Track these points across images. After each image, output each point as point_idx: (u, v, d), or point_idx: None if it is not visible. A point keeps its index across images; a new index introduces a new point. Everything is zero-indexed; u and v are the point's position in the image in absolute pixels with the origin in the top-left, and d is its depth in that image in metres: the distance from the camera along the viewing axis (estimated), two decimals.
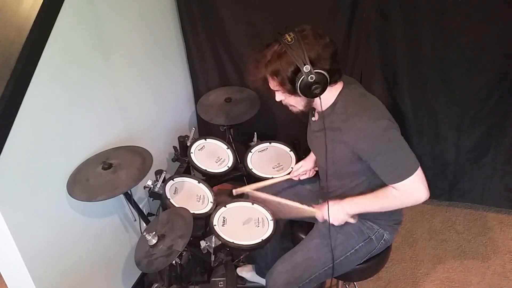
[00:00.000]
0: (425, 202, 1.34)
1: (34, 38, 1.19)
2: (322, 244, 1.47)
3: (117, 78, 1.77)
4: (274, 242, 1.70)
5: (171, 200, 1.73)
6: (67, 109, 1.49)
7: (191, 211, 1.56)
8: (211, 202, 1.76)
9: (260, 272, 1.93)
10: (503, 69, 1.93)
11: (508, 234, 2.26)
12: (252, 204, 1.67)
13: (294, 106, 1.39)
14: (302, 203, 1.53)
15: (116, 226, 1.87)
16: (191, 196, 1.79)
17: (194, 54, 2.36)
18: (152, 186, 1.73)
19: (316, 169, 1.70)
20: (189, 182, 1.85)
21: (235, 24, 2.18)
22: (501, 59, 1.90)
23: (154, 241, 1.43)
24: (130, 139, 1.85)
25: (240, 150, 2.10)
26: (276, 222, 1.59)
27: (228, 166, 1.95)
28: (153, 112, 2.12)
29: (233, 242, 1.52)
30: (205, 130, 2.54)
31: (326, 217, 1.44)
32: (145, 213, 1.90)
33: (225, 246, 1.60)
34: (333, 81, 1.29)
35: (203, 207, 1.73)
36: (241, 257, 1.91)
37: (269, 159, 1.97)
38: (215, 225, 1.58)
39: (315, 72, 1.21)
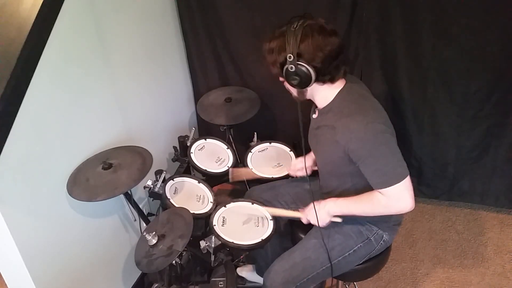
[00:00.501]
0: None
1: (34, 38, 1.19)
2: (320, 244, 1.47)
3: (117, 78, 1.77)
4: (274, 242, 1.70)
5: (171, 200, 1.73)
6: (67, 109, 1.49)
7: (191, 211, 1.56)
8: (211, 202, 1.76)
9: (260, 272, 1.93)
10: (503, 69, 1.93)
11: (508, 234, 2.26)
12: (252, 204, 1.67)
13: (290, 91, 1.40)
14: (296, 207, 1.55)
15: (116, 226, 1.87)
16: (191, 196, 1.79)
17: (194, 54, 2.36)
18: (152, 186, 1.73)
19: (315, 168, 1.70)
20: (189, 182, 1.85)
21: (235, 24, 2.19)
22: (501, 59, 1.90)
23: (154, 241, 1.43)
24: (130, 139, 1.85)
25: (240, 150, 2.10)
26: (276, 222, 1.59)
27: (228, 166, 1.95)
28: (153, 112, 2.12)
29: (233, 242, 1.52)
30: (205, 130, 2.54)
31: (309, 219, 1.45)
32: (145, 213, 1.91)
33: (225, 246, 1.60)
34: (321, 81, 1.29)
35: (203, 207, 1.73)
36: (241, 257, 1.92)
37: (269, 159, 1.97)
38: (215, 225, 1.58)
39: (298, 64, 1.23)
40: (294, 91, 1.37)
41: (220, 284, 1.81)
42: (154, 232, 1.44)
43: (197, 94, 2.47)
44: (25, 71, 1.21)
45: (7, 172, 1.26)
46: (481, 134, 2.14)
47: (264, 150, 2.03)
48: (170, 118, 2.30)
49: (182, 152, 2.11)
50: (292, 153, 1.97)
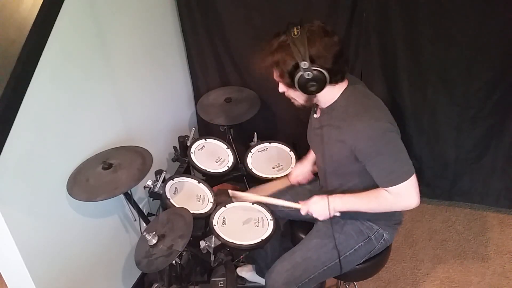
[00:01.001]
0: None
1: (34, 38, 1.19)
2: (322, 244, 1.47)
3: (117, 78, 1.77)
4: (274, 242, 1.70)
5: (171, 200, 1.73)
6: (67, 109, 1.49)
7: (191, 211, 1.56)
8: (211, 202, 1.76)
9: (260, 272, 1.93)
10: (503, 69, 1.93)
11: (508, 234, 2.26)
12: (252, 204, 1.67)
13: (295, 99, 1.38)
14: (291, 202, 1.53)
15: (116, 226, 1.87)
16: (191, 196, 1.79)
17: (194, 54, 2.36)
18: (152, 186, 1.73)
19: (315, 171, 1.70)
20: (189, 182, 1.85)
21: (235, 24, 2.19)
22: (501, 59, 1.90)
23: (154, 241, 1.43)
24: (130, 139, 1.85)
25: (240, 150, 2.10)
26: (276, 222, 1.59)
27: (228, 166, 1.95)
28: (153, 112, 2.12)
29: (233, 242, 1.52)
30: (205, 130, 2.54)
31: (310, 211, 1.43)
32: (145, 213, 1.90)
33: (225, 246, 1.60)
34: (334, 81, 1.28)
35: (203, 207, 1.73)
36: (241, 257, 1.92)
37: (269, 159, 1.97)
38: (215, 225, 1.58)
39: (313, 69, 1.21)
40: (301, 99, 1.35)
41: (220, 284, 1.81)
42: (154, 232, 1.44)
43: (197, 94, 2.47)
44: (25, 71, 1.21)
45: (7, 172, 1.26)
46: (481, 134, 2.14)
47: (264, 150, 2.03)
48: (170, 118, 2.30)
49: (182, 152, 2.11)
50: (292, 153, 1.97)
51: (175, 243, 1.41)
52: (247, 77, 2.34)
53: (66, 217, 1.55)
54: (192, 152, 1.99)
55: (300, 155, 1.88)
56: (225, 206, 1.67)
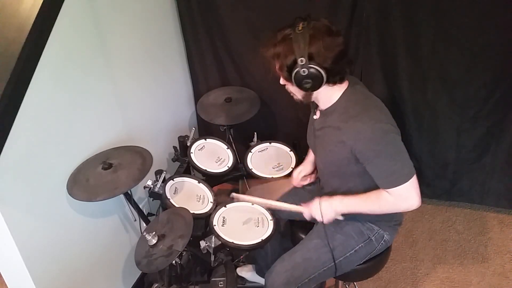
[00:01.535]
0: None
1: (34, 38, 1.19)
2: (322, 244, 1.47)
3: (117, 78, 1.77)
4: (274, 242, 1.70)
5: (171, 200, 1.73)
6: (67, 109, 1.49)
7: (191, 211, 1.56)
8: (211, 202, 1.76)
9: (260, 272, 1.93)
10: (503, 69, 1.93)
11: (508, 234, 2.26)
12: (252, 204, 1.67)
13: (294, 93, 1.38)
14: (293, 204, 1.53)
15: (116, 226, 1.87)
16: (191, 196, 1.79)
17: (194, 54, 2.36)
18: (152, 186, 1.73)
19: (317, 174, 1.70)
20: (189, 182, 1.85)
21: (235, 24, 2.19)
22: (501, 59, 1.90)
23: (154, 241, 1.43)
24: (130, 139, 1.85)
25: (240, 150, 2.10)
26: (276, 222, 1.59)
27: (228, 166, 1.95)
28: (153, 112, 2.12)
29: (233, 242, 1.52)
30: (205, 130, 2.54)
31: (313, 215, 1.43)
32: (145, 213, 1.91)
33: (225, 246, 1.60)
34: (332, 82, 1.28)
35: (203, 207, 1.73)
36: (241, 257, 1.91)
37: (269, 159, 1.97)
38: (215, 225, 1.58)
39: (310, 67, 1.21)
40: (299, 94, 1.35)
41: (220, 284, 1.81)
42: (154, 232, 1.44)
43: (197, 94, 2.47)
44: (25, 71, 1.21)
45: (7, 172, 1.26)
46: (481, 134, 2.14)
47: (264, 150, 2.03)
48: (170, 118, 2.30)
49: (182, 152, 2.11)
50: (292, 153, 1.97)
51: (175, 243, 1.41)
52: (247, 77, 2.34)
53: (66, 217, 1.55)
54: (192, 152, 1.99)
55: (300, 155, 1.89)
56: (225, 206, 1.67)
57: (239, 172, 2.08)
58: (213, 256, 1.66)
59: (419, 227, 2.34)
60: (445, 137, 2.20)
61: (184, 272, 1.69)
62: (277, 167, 1.92)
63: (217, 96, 2.27)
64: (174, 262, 1.56)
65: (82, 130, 1.59)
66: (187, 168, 2.07)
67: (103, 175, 1.51)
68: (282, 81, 1.36)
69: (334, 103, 1.34)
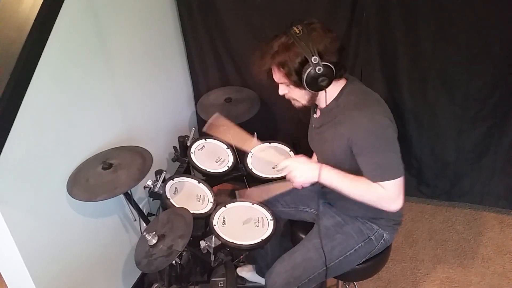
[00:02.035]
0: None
1: (34, 38, 1.19)
2: (321, 244, 1.47)
3: (117, 78, 1.77)
4: (274, 242, 1.70)
5: (171, 200, 1.73)
6: (67, 109, 1.49)
7: (191, 211, 1.56)
8: (211, 202, 1.76)
9: (260, 272, 1.93)
10: (503, 69, 1.93)
11: (508, 234, 2.26)
12: (252, 204, 1.67)
13: (297, 100, 1.38)
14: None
15: (116, 226, 1.87)
16: (191, 196, 1.79)
17: (194, 54, 2.36)
18: (152, 186, 1.73)
19: None
20: (189, 182, 1.85)
21: (235, 24, 2.19)
22: (501, 59, 1.90)
23: (154, 241, 1.43)
24: (130, 139, 1.85)
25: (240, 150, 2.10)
26: (276, 222, 1.59)
27: (228, 166, 1.95)
28: (153, 112, 2.12)
29: (233, 242, 1.52)
30: None
31: (292, 170, 1.37)
32: (145, 213, 1.91)
33: (225, 246, 1.60)
34: (339, 76, 1.29)
35: (203, 207, 1.73)
36: (241, 257, 1.91)
37: (269, 159, 1.96)
38: (215, 225, 1.58)
39: (323, 64, 1.21)
40: (304, 99, 1.35)
41: (220, 284, 1.81)
42: (154, 232, 1.44)
43: (197, 94, 2.47)
44: (25, 71, 1.21)
45: (7, 172, 1.26)
46: (481, 134, 2.14)
47: (264, 150, 2.03)
48: (170, 118, 2.30)
49: (182, 152, 2.11)
50: (292, 153, 1.97)
51: (175, 243, 1.41)
52: (247, 77, 2.34)
53: (66, 217, 1.55)
54: (192, 152, 1.99)
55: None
56: (225, 206, 1.67)
57: (239, 172, 2.08)
58: (213, 256, 1.66)
59: (419, 227, 2.34)
60: (445, 137, 2.20)
61: (184, 272, 1.68)
62: (277, 167, 1.91)
63: (217, 96, 2.27)
64: (174, 262, 1.56)
65: (82, 130, 1.59)
66: (187, 168, 2.07)
67: (103, 175, 1.51)
68: (281, 91, 1.36)
69: (333, 99, 1.35)
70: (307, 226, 1.60)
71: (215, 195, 1.80)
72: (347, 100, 1.32)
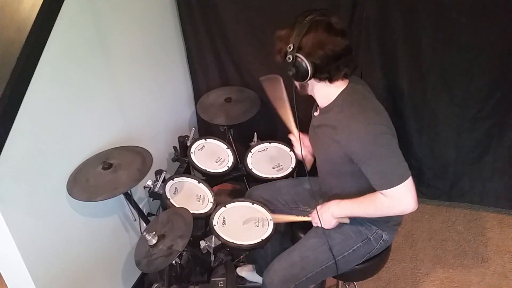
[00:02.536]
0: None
1: (34, 38, 1.19)
2: (320, 243, 1.47)
3: (117, 78, 1.77)
4: (274, 242, 1.70)
5: (171, 200, 1.73)
6: (67, 109, 1.49)
7: (191, 211, 1.56)
8: (211, 202, 1.76)
9: (260, 272, 1.93)
10: (503, 69, 1.93)
11: (508, 234, 2.26)
12: (252, 204, 1.67)
13: (294, 83, 1.40)
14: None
15: (116, 226, 1.87)
16: (191, 196, 1.79)
17: (194, 54, 2.36)
18: (152, 186, 1.73)
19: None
20: (189, 182, 1.85)
21: (235, 24, 2.19)
22: (501, 59, 1.90)
23: (154, 241, 1.43)
24: (130, 139, 1.85)
25: (240, 150, 2.10)
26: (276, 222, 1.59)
27: (228, 166, 1.95)
28: (153, 112, 2.12)
29: (233, 242, 1.52)
30: (205, 130, 2.54)
31: (315, 224, 1.46)
32: (145, 213, 1.91)
33: (225, 246, 1.60)
34: (319, 78, 1.30)
35: (203, 207, 1.73)
36: (241, 257, 1.92)
37: (269, 159, 1.97)
38: (215, 225, 1.58)
39: (296, 56, 1.24)
40: (297, 83, 1.38)
41: (220, 284, 1.81)
42: (154, 232, 1.44)
43: (197, 94, 2.47)
44: (25, 71, 1.21)
45: (7, 172, 1.26)
46: (481, 134, 2.14)
47: (264, 150, 2.03)
48: (170, 118, 2.30)
49: (182, 152, 2.11)
50: (292, 153, 1.97)
51: (175, 243, 1.41)
52: (247, 77, 2.34)
53: (66, 217, 1.55)
54: (192, 152, 1.99)
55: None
56: (225, 206, 1.67)
57: (239, 172, 2.08)
58: (213, 256, 1.66)
59: (419, 227, 2.34)
60: (445, 137, 2.20)
61: (184, 272, 1.68)
62: (277, 167, 1.92)
63: (217, 96, 2.27)
64: (174, 262, 1.56)
65: (82, 130, 1.59)
66: (187, 168, 2.07)
67: (103, 175, 1.51)
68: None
69: (332, 101, 1.35)
70: (306, 226, 1.60)
71: (215, 195, 1.80)
72: (343, 105, 1.32)
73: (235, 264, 1.95)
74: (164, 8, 2.17)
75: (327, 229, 1.46)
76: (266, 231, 1.55)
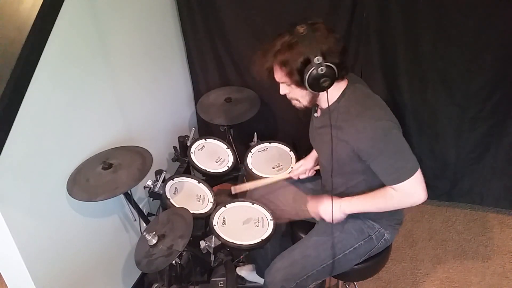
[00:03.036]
0: (425, 202, 1.34)
1: (34, 38, 1.19)
2: (321, 242, 1.47)
3: (117, 78, 1.77)
4: (274, 242, 1.70)
5: (171, 200, 1.73)
6: (67, 109, 1.49)
7: (191, 211, 1.56)
8: (211, 202, 1.76)
9: (260, 272, 1.93)
10: (503, 69, 1.93)
11: (508, 234, 2.26)
12: (252, 204, 1.67)
13: (298, 100, 1.37)
14: (304, 209, 1.53)
15: (116, 226, 1.87)
16: (191, 196, 1.79)
17: (194, 54, 2.36)
18: (152, 186, 1.73)
19: (317, 168, 1.70)
20: (189, 182, 1.85)
21: (235, 24, 2.19)
22: (501, 59, 1.90)
23: (154, 241, 1.43)
24: (130, 139, 1.85)
25: (240, 150, 2.10)
26: (276, 222, 1.59)
27: (228, 166, 1.95)
28: (153, 112, 2.12)
29: (233, 242, 1.52)
30: (205, 130, 2.54)
31: (322, 216, 1.44)
32: (145, 213, 1.91)
33: (225, 246, 1.60)
34: (340, 77, 1.29)
35: (203, 207, 1.73)
36: (241, 257, 1.91)
37: (269, 159, 1.97)
38: (215, 225, 1.58)
39: (325, 64, 1.20)
40: (305, 100, 1.35)
41: (220, 284, 1.81)
42: (154, 232, 1.44)
43: (197, 94, 2.47)
44: (25, 71, 1.21)
45: (7, 172, 1.26)
46: (481, 134, 2.14)
47: (264, 150, 2.03)
48: (170, 118, 2.30)
49: (182, 152, 2.11)
50: (292, 153, 1.97)
51: (175, 243, 1.41)
52: (247, 77, 2.34)
53: (66, 217, 1.55)
54: (192, 152, 1.99)
55: (300, 155, 1.89)
56: (225, 206, 1.67)
57: (239, 172, 2.08)
58: (213, 256, 1.66)
59: (419, 227, 2.34)
60: (445, 137, 2.20)
61: (184, 272, 1.68)
62: (277, 167, 1.92)
63: (217, 96, 2.27)
64: (174, 262, 1.56)
65: (82, 130, 1.59)
66: (187, 168, 2.07)
67: (103, 175, 1.51)
68: (282, 91, 1.36)
69: (335, 101, 1.34)
70: (307, 226, 1.60)
71: (215, 195, 1.80)
72: (348, 105, 1.31)
73: (235, 264, 1.95)
74: (164, 8, 2.17)
75: (329, 228, 1.46)
76: (266, 231, 1.55)
